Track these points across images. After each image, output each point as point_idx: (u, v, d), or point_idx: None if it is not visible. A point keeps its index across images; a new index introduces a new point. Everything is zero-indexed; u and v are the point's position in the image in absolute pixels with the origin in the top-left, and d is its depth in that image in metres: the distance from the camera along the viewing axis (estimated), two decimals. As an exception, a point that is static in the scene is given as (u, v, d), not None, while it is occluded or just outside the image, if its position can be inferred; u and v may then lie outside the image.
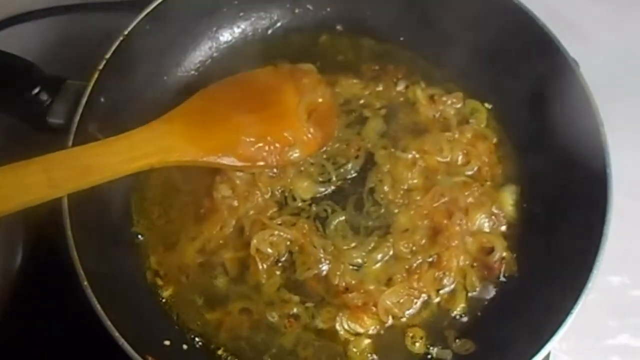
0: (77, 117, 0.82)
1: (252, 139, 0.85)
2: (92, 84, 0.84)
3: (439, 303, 0.87)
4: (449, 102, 0.97)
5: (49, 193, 0.73)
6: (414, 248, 0.88)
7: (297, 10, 1.04)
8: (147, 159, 0.79)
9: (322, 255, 0.87)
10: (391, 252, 0.88)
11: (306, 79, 0.92)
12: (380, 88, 0.99)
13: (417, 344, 0.85)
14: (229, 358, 0.84)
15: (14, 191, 0.71)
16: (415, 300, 0.86)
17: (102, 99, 0.85)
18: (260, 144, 0.86)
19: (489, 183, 0.93)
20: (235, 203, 0.89)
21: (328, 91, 0.94)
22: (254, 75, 0.92)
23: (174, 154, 0.82)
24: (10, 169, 0.71)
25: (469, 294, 0.87)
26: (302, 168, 0.92)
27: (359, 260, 0.87)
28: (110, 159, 0.77)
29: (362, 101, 0.98)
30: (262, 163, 0.87)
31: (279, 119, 0.88)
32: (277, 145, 0.87)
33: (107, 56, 0.86)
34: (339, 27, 1.04)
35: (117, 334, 0.72)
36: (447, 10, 0.98)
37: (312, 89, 0.91)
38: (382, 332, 0.85)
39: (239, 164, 0.86)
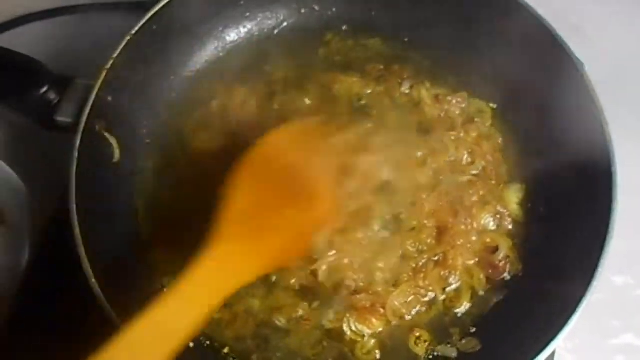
0: (85, 116, 0.82)
1: (298, 235, 0.77)
2: (99, 83, 0.84)
3: (444, 301, 0.87)
4: (454, 101, 0.97)
5: None
6: (420, 247, 0.88)
7: (303, 11, 1.04)
8: (219, 295, 0.68)
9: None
10: (400, 252, 0.88)
11: (326, 143, 0.84)
12: (382, 88, 0.99)
13: (419, 346, 0.85)
14: (235, 357, 0.84)
15: None
16: (421, 300, 0.86)
17: (109, 98, 0.86)
18: (304, 237, 0.79)
19: (493, 182, 0.93)
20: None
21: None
22: (280, 150, 0.80)
23: (242, 277, 0.71)
24: None
25: (475, 293, 0.87)
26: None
27: None
28: (190, 313, 0.64)
29: (363, 101, 0.98)
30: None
31: (313, 204, 0.79)
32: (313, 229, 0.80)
33: (115, 55, 0.86)
34: (344, 28, 1.04)
35: (125, 332, 0.72)
36: (451, 11, 0.98)
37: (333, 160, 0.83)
38: (387, 331, 0.85)
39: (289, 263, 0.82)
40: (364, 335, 0.85)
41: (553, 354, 0.85)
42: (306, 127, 0.85)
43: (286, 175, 0.76)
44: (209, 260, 0.67)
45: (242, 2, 1.01)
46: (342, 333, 0.84)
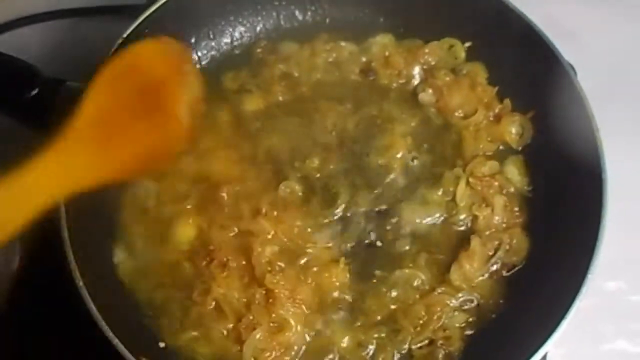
0: (76, 119, 0.82)
1: (145, 148, 0.75)
2: (90, 86, 0.84)
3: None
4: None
5: None
6: None
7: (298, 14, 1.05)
8: (55, 189, 0.67)
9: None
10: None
11: (187, 66, 0.82)
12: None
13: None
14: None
15: None
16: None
17: (100, 101, 0.86)
18: (152, 152, 0.77)
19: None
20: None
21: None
22: (136, 62, 0.77)
23: (84, 176, 0.70)
24: None
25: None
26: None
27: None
28: (25, 201, 0.64)
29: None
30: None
31: (166, 121, 0.77)
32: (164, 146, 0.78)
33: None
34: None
35: (111, 334, 0.71)
36: (442, 15, 0.99)
37: (193, 82, 0.81)
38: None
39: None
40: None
41: (545, 357, 0.85)
42: (175, 48, 0.82)
43: (145, 90, 0.75)
44: (53, 153, 0.67)
45: (229, 7, 1.02)
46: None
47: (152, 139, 0.74)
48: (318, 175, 0.91)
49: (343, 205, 0.88)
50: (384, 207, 0.89)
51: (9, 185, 0.63)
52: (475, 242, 0.86)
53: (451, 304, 0.83)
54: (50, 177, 0.66)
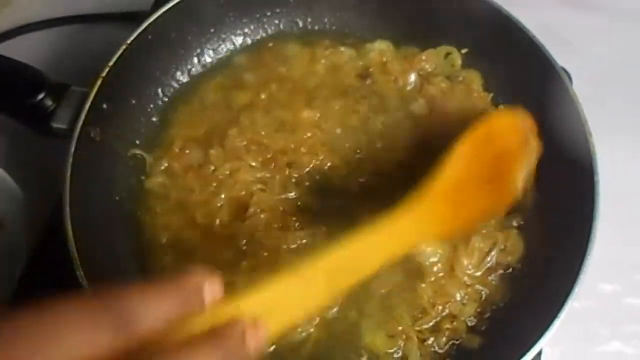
0: (80, 123, 0.84)
1: (478, 212, 0.78)
2: (95, 90, 0.85)
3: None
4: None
5: (325, 299, 0.58)
6: None
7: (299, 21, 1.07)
8: (407, 246, 0.68)
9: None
10: None
11: (532, 140, 0.83)
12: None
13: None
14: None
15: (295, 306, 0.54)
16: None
17: (104, 105, 0.87)
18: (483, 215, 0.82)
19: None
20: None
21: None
22: (493, 131, 0.81)
23: (427, 237, 0.74)
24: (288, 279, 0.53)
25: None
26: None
27: None
28: (378, 250, 0.64)
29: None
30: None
31: (503, 189, 0.80)
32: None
33: (110, 64, 0.87)
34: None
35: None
36: (440, 23, 1.00)
37: (533, 154, 0.84)
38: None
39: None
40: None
41: (539, 355, 0.86)
42: (524, 119, 0.85)
43: (495, 158, 0.79)
44: (411, 211, 0.68)
45: (234, 14, 1.03)
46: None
47: (487, 204, 0.78)
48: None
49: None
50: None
51: (370, 233, 0.63)
52: (473, 239, 0.87)
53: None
54: (402, 234, 0.67)
